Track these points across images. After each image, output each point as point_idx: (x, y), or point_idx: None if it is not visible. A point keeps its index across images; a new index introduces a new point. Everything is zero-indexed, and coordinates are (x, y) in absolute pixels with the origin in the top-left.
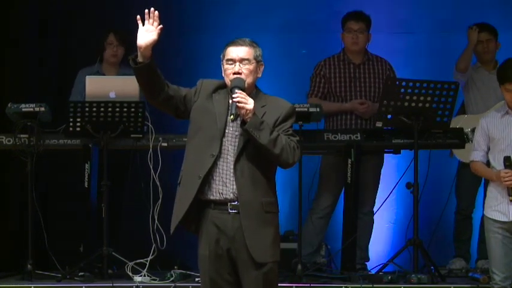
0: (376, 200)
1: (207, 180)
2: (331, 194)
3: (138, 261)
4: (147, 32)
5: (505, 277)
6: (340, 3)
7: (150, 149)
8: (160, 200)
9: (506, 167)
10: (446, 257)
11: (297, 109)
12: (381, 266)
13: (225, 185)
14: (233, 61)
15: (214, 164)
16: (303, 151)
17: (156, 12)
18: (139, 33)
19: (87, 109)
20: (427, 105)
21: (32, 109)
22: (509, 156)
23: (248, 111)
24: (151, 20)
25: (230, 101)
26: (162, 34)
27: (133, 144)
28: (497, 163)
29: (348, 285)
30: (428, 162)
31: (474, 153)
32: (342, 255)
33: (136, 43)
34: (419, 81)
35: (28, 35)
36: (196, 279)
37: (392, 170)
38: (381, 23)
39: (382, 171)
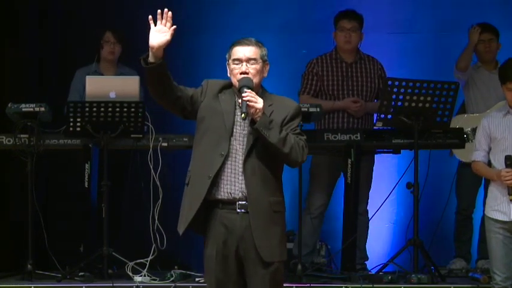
0: (368, 201)
1: (215, 180)
2: (324, 193)
3: (138, 261)
4: (160, 33)
5: (505, 277)
6: (340, 4)
7: (150, 149)
8: (160, 200)
9: (507, 166)
10: (447, 257)
11: None
12: (381, 266)
13: (233, 184)
14: (240, 61)
15: (223, 164)
16: None
17: (170, 12)
18: (151, 33)
19: (87, 109)
20: (427, 105)
21: (32, 109)
22: (511, 156)
23: (258, 110)
24: (164, 21)
25: (239, 101)
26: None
27: (134, 144)
28: (498, 163)
29: (348, 285)
30: (429, 162)
31: (475, 153)
32: (342, 255)
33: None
34: (419, 81)
35: (28, 35)
36: (197, 279)
37: (392, 170)
38: (381, 23)
39: (383, 171)
